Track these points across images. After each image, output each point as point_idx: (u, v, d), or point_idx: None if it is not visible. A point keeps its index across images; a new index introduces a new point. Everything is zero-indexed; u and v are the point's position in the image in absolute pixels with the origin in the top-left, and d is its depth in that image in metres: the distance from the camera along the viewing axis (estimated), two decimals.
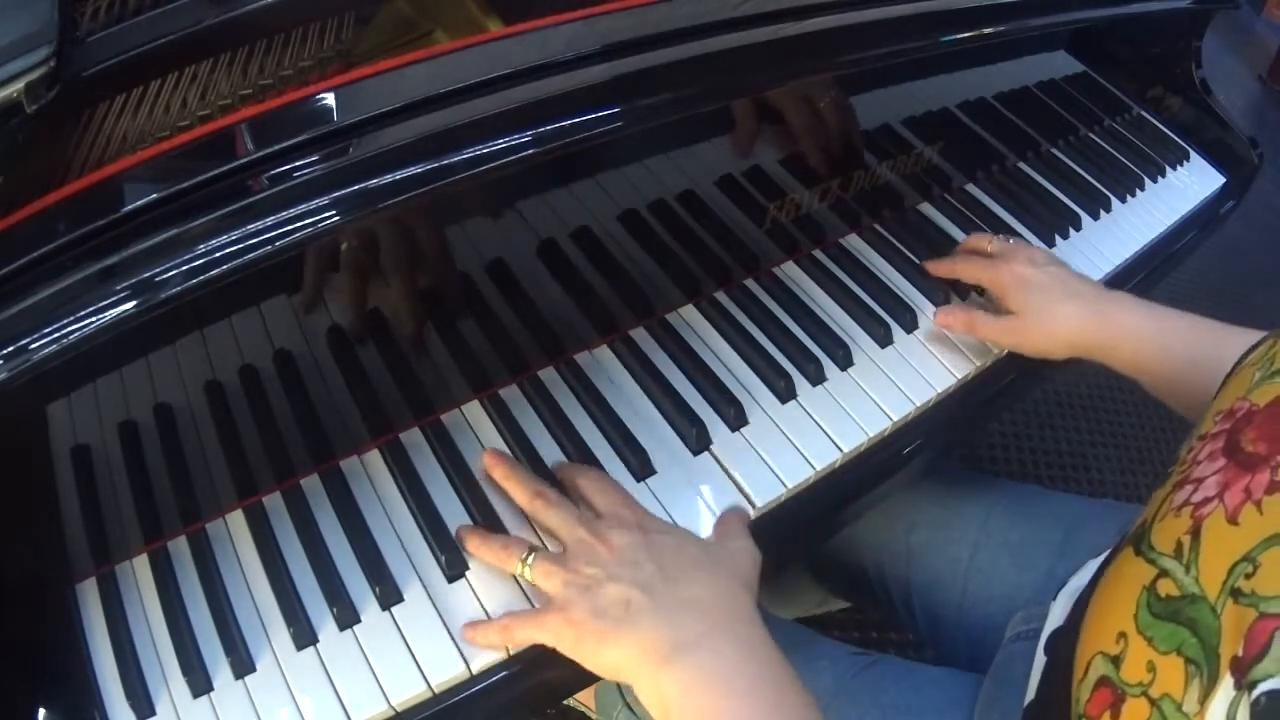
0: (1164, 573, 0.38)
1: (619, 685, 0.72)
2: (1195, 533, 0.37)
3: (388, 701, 0.47)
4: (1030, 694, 0.52)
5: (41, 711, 0.46)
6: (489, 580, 0.52)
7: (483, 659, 0.49)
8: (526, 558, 0.50)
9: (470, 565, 0.53)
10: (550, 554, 0.50)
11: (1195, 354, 0.60)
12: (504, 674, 0.50)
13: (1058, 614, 0.55)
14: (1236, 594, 0.33)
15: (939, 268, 0.72)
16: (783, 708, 0.43)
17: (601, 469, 0.57)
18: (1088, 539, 0.69)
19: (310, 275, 0.48)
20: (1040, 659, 0.53)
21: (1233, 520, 0.36)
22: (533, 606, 0.51)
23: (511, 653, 0.50)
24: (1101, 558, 0.55)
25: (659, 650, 0.44)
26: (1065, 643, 0.48)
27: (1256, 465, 0.37)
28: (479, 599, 0.51)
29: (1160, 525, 0.40)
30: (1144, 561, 0.39)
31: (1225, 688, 0.32)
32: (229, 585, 0.51)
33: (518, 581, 0.52)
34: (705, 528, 0.55)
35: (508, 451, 0.58)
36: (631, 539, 0.49)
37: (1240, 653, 0.32)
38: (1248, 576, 0.33)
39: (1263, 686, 0.30)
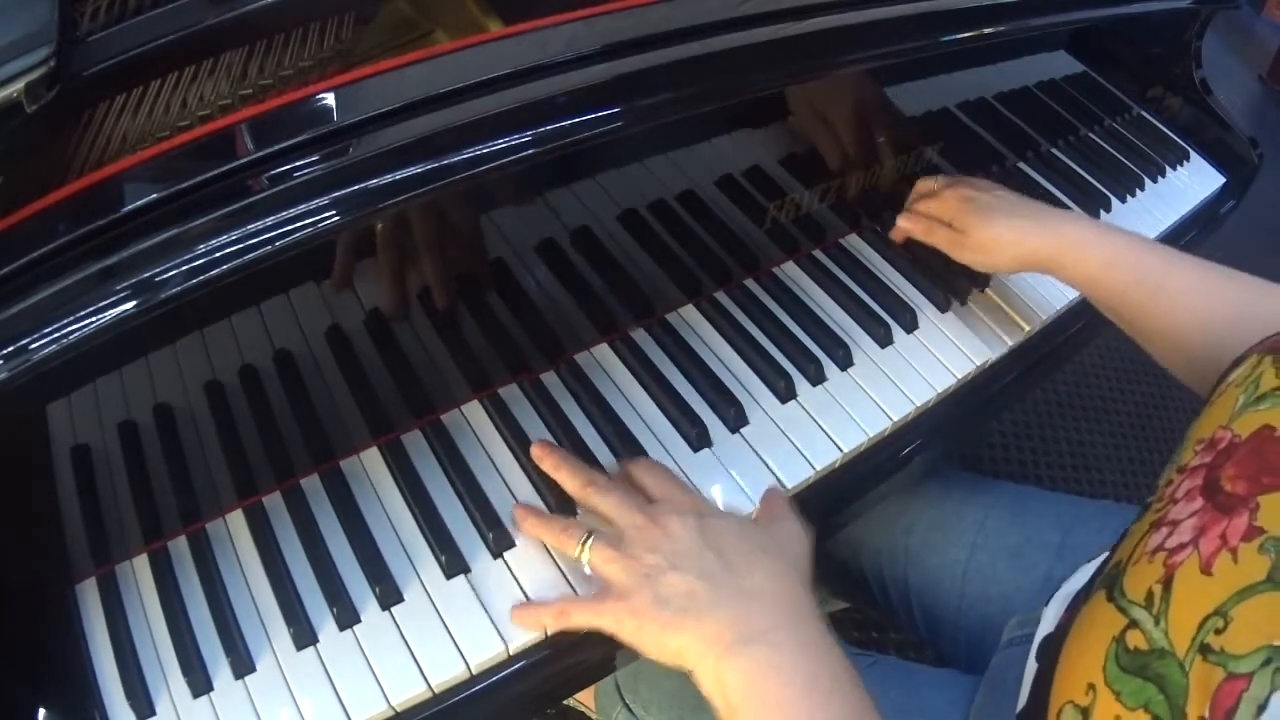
0: (1134, 623, 0.37)
1: (618, 686, 0.72)
2: (1167, 583, 0.36)
3: (388, 701, 0.47)
4: (1022, 700, 0.51)
5: (41, 711, 0.47)
6: (489, 580, 0.52)
7: (482, 658, 0.49)
8: (585, 540, 0.50)
9: (471, 566, 0.53)
10: (609, 538, 0.50)
11: (1141, 271, 0.60)
12: (503, 674, 0.50)
13: (1050, 619, 0.55)
14: (1206, 650, 0.32)
15: (900, 231, 0.72)
16: (838, 701, 0.43)
17: (641, 450, 0.58)
18: (1086, 541, 0.69)
19: (339, 265, 0.49)
20: (1032, 665, 0.53)
21: (1206, 570, 0.35)
22: (528, 601, 0.51)
23: (548, 635, 0.50)
24: (1095, 562, 0.55)
25: (722, 641, 0.44)
26: (1055, 649, 0.48)
27: (1235, 508, 0.36)
28: (479, 598, 0.51)
29: (1134, 570, 0.39)
30: (1115, 609, 0.38)
31: None
32: (229, 585, 0.51)
33: (517, 583, 0.52)
34: None
35: (505, 447, 0.58)
36: (689, 525, 0.49)
37: (1206, 714, 0.31)
38: (1218, 632, 0.32)
39: None
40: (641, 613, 0.46)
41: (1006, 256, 0.65)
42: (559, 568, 0.53)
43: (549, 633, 0.50)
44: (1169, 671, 0.34)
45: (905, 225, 0.70)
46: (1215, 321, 0.56)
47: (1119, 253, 0.62)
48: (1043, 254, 0.64)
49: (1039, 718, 0.48)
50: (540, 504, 0.56)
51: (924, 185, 0.73)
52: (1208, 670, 0.32)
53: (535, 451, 0.56)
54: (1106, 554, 0.49)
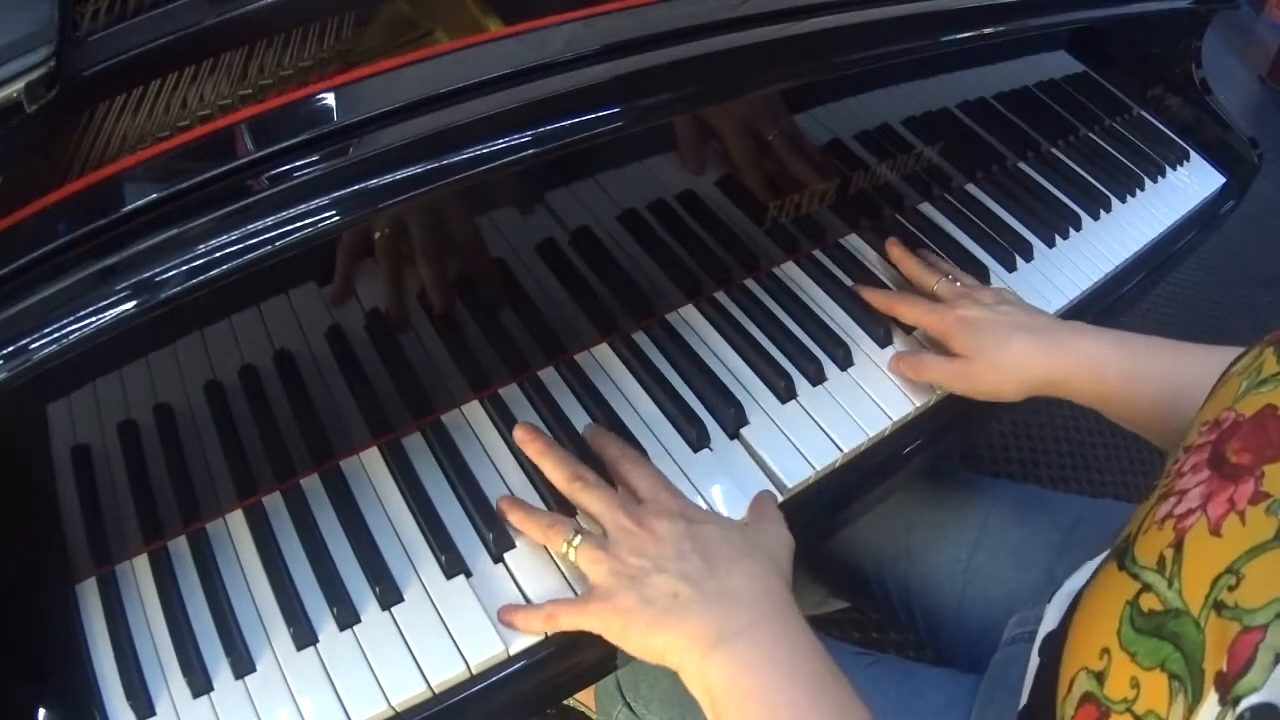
0: (1147, 587, 0.37)
1: (619, 685, 0.72)
2: (1178, 545, 0.36)
3: (388, 701, 0.47)
4: (1024, 697, 0.51)
5: (41, 711, 0.46)
6: (489, 580, 0.52)
7: (482, 658, 0.49)
8: (572, 539, 0.50)
9: (471, 567, 0.53)
10: (595, 538, 0.51)
11: (1160, 378, 0.57)
12: (503, 674, 0.50)
13: (1052, 616, 0.55)
14: (1220, 607, 0.33)
15: (876, 298, 0.68)
16: (818, 694, 0.45)
17: (640, 449, 0.58)
18: (1087, 539, 0.69)
19: (341, 269, 0.49)
20: (1034, 661, 0.53)
21: (1215, 532, 0.35)
22: (528, 601, 0.51)
23: (549, 635, 0.50)
24: (1098, 560, 0.55)
25: (705, 638, 0.45)
26: (1057, 646, 0.48)
27: (1240, 476, 0.36)
28: (479, 598, 0.51)
29: (1144, 539, 0.39)
30: (1127, 576, 0.39)
31: (1210, 704, 0.31)
32: (229, 585, 0.51)
33: (516, 584, 0.52)
34: None
35: (501, 441, 0.58)
36: (675, 528, 0.50)
37: (1224, 668, 0.31)
38: (1231, 589, 0.33)
39: (1247, 702, 0.29)
40: (627, 612, 0.47)
41: (1014, 383, 0.60)
42: (559, 568, 0.53)
43: (541, 635, 0.50)
44: (1185, 630, 0.34)
45: (897, 368, 0.64)
46: None
47: (1134, 363, 0.58)
48: (1056, 378, 0.59)
49: (1039, 715, 0.48)
50: (537, 500, 0.56)
51: (920, 278, 0.69)
52: (1223, 625, 0.32)
53: (519, 435, 0.56)
54: (1110, 550, 0.49)
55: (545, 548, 0.53)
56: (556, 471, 0.54)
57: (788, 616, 0.47)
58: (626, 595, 0.47)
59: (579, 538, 0.50)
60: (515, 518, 0.53)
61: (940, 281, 0.68)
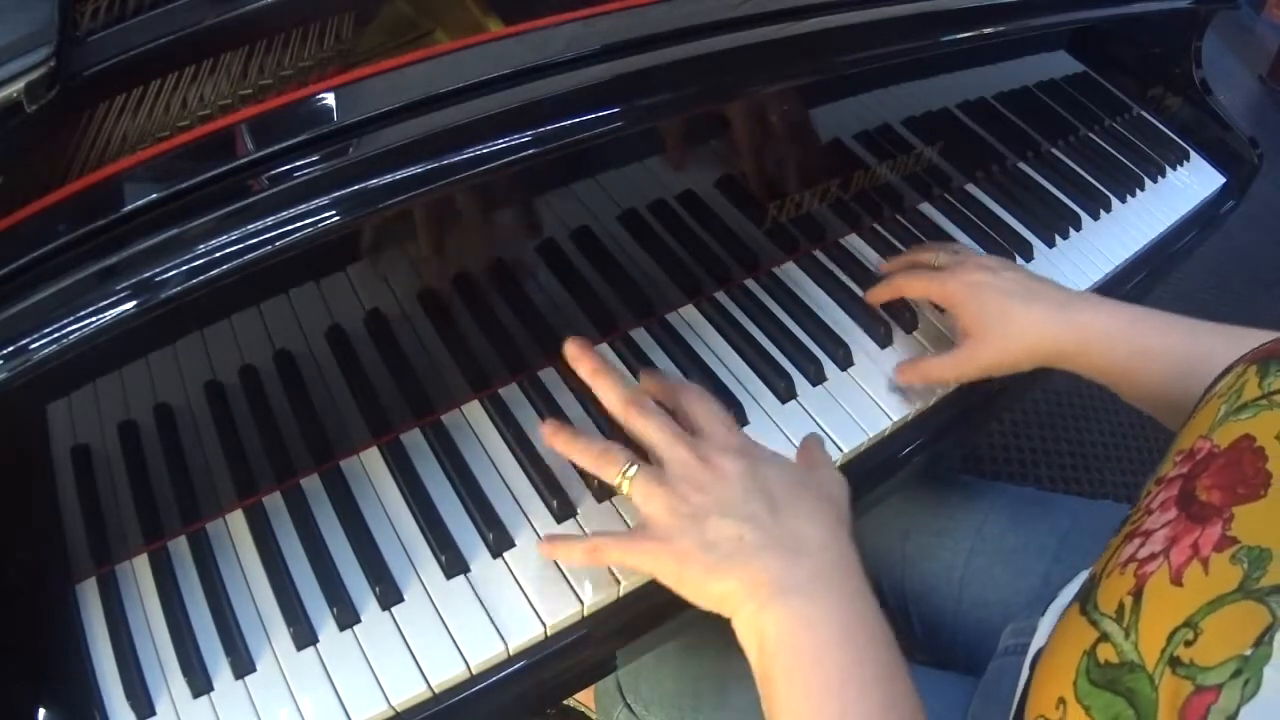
0: (1105, 636, 0.36)
1: (619, 685, 0.72)
2: (1138, 594, 0.35)
3: (388, 701, 0.47)
4: (1013, 711, 0.51)
5: (41, 711, 0.47)
6: (489, 580, 0.52)
7: (482, 658, 0.49)
8: (628, 469, 0.47)
9: (471, 566, 0.53)
10: (653, 470, 0.47)
11: (1172, 357, 0.55)
12: (503, 674, 0.50)
13: (1044, 632, 0.54)
14: (1175, 664, 0.32)
15: (880, 293, 0.67)
16: (869, 663, 0.43)
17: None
18: (1083, 543, 0.69)
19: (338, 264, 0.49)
20: (1025, 675, 0.52)
21: (1176, 580, 0.34)
22: (528, 601, 0.51)
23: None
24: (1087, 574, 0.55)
25: (766, 588, 0.43)
26: None
27: (1208, 518, 0.35)
28: (479, 598, 0.51)
29: (1106, 582, 0.38)
30: (1087, 623, 0.37)
31: None
32: (229, 585, 0.51)
33: (517, 583, 0.52)
34: None
35: (505, 441, 0.58)
36: (739, 465, 0.46)
37: None
38: (1188, 644, 0.32)
39: None
40: (685, 556, 0.44)
41: (1024, 354, 0.58)
42: (559, 567, 0.53)
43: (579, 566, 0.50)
44: (1139, 685, 0.33)
45: (906, 379, 0.64)
46: None
47: (1145, 339, 0.55)
48: (1064, 350, 0.57)
49: None
50: (540, 505, 0.55)
51: (921, 256, 0.68)
52: (1176, 684, 0.31)
53: (570, 351, 0.52)
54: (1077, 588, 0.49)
55: (545, 548, 0.53)
56: (610, 393, 0.49)
57: (848, 571, 0.45)
58: (686, 537, 0.44)
59: (634, 468, 0.47)
60: (561, 442, 0.50)
61: (940, 253, 0.67)
